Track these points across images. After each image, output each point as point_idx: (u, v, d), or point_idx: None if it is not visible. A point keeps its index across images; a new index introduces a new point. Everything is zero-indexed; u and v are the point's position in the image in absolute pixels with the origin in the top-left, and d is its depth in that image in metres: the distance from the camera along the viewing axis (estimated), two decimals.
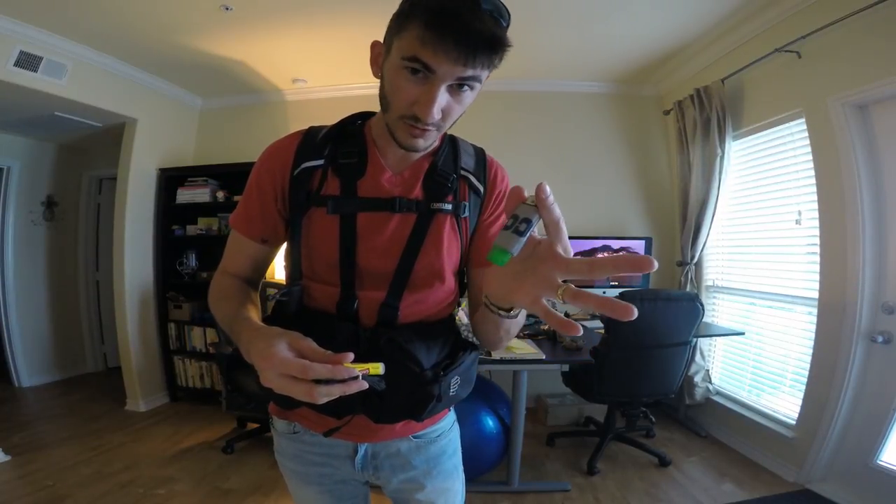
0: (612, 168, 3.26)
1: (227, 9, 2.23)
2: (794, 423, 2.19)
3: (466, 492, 0.89)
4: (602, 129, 3.27)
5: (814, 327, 2.10)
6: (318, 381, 0.46)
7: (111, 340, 3.90)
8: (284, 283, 0.73)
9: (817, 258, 2.10)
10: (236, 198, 2.88)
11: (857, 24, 1.82)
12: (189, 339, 3.25)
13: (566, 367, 2.02)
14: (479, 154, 0.77)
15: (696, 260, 2.82)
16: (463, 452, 0.87)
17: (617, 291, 2.33)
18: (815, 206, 2.10)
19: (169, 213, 3.26)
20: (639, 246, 3.00)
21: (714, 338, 2.79)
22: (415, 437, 0.78)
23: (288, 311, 0.69)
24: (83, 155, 3.91)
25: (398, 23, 0.56)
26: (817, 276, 2.09)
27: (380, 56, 0.62)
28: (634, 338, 2.12)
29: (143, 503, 2.00)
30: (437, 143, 0.70)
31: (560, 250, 0.43)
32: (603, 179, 3.25)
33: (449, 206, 0.70)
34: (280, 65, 2.96)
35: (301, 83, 3.25)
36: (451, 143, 0.75)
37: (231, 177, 3.21)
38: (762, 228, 2.52)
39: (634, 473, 2.29)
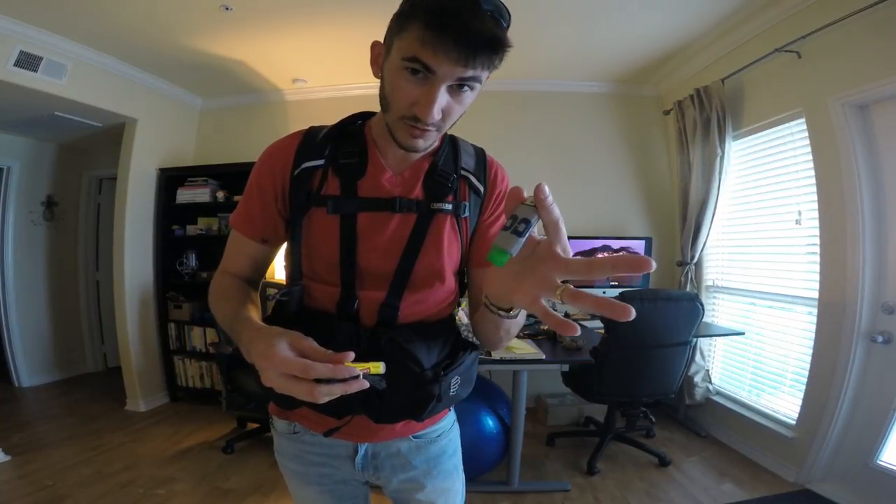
0: (612, 168, 3.26)
1: (227, 9, 2.23)
2: (794, 423, 2.19)
3: (466, 492, 0.89)
4: (602, 129, 3.27)
5: (814, 327, 2.10)
6: (319, 381, 0.46)
7: (111, 340, 3.90)
8: (284, 283, 0.73)
9: (817, 258, 2.10)
10: (236, 198, 2.89)
11: (857, 24, 1.82)
12: (189, 339, 3.25)
13: (566, 367, 2.02)
14: (480, 154, 0.77)
15: (696, 260, 2.82)
16: (463, 452, 0.87)
17: (617, 291, 2.32)
18: (815, 206, 2.10)
19: (169, 213, 3.26)
20: (639, 246, 3.00)
21: (714, 338, 2.79)
22: (415, 437, 0.78)
23: (288, 310, 0.69)
24: (83, 155, 3.90)
25: (398, 23, 0.56)
26: (817, 276, 2.09)
27: (380, 56, 0.62)
28: (634, 338, 2.11)
29: (142, 503, 2.01)
30: (437, 144, 0.70)
31: (559, 251, 0.43)
32: (603, 179, 3.25)
33: (449, 206, 0.70)
34: (280, 65, 2.96)
35: (301, 83, 3.25)
36: (451, 143, 0.75)
37: (231, 177, 3.21)
38: (762, 228, 2.52)
39: (634, 473, 2.29)
